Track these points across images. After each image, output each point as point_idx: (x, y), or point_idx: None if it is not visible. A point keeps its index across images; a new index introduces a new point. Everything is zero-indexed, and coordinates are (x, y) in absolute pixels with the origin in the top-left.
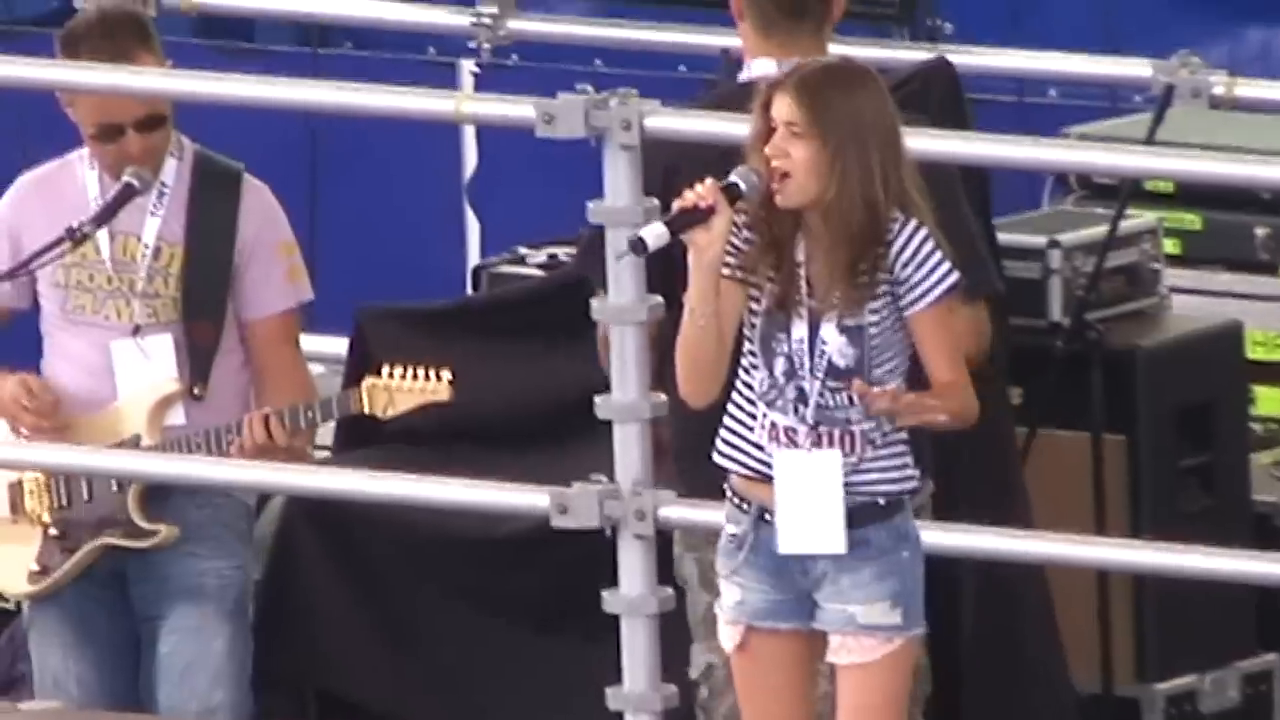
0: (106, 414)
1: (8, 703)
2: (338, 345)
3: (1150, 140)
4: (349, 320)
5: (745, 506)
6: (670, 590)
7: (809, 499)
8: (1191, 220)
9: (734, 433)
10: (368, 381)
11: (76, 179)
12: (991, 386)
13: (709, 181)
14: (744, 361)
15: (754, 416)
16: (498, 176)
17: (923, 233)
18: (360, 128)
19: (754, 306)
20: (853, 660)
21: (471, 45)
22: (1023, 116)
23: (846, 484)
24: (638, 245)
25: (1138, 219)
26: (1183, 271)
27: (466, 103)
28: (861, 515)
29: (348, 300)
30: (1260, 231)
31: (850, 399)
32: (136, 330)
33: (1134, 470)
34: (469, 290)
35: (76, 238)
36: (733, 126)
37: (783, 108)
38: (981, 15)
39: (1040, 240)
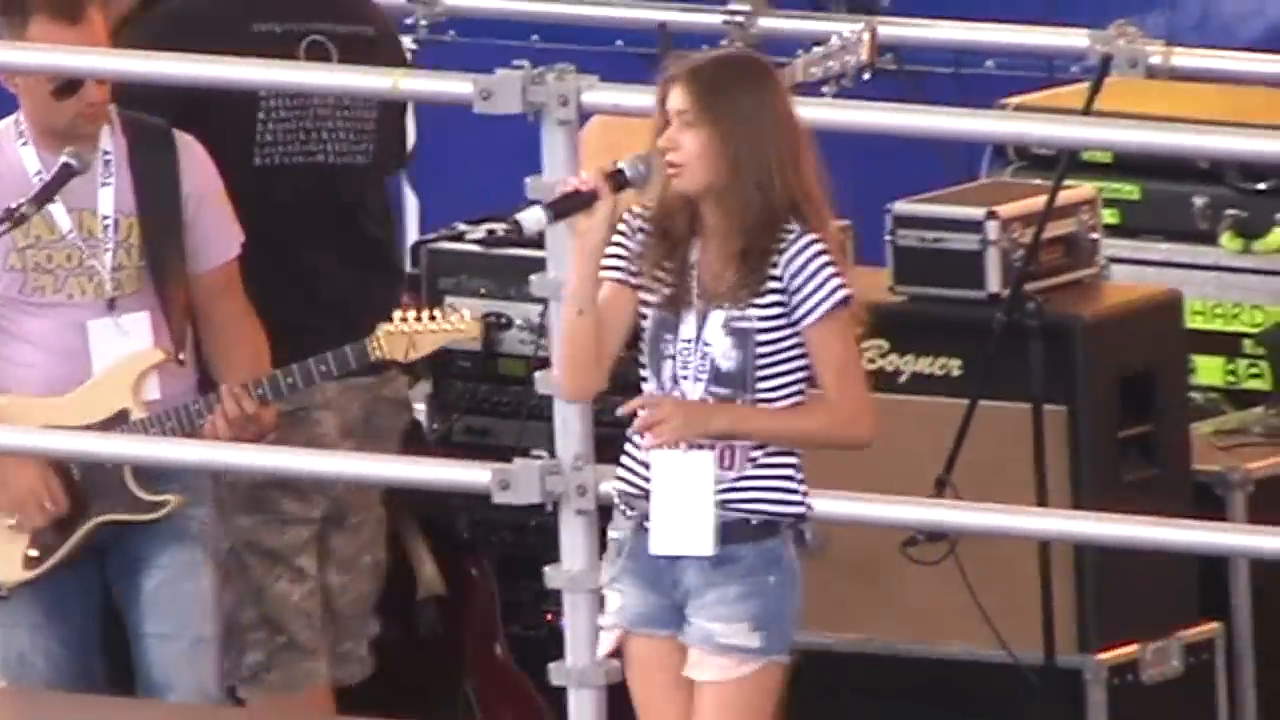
0: (83, 391)
1: None
2: None
3: (1088, 110)
4: None
5: (629, 513)
6: None
7: (681, 500)
8: (1130, 190)
9: (628, 452)
10: (382, 328)
11: (8, 156)
12: None
13: (594, 167)
14: (643, 377)
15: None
16: (436, 153)
17: (817, 246)
18: None
19: (646, 313)
20: (706, 677)
21: (408, 21)
22: (960, 87)
23: (724, 500)
24: (515, 229)
25: (1076, 189)
26: (1121, 241)
27: (404, 79)
28: (732, 532)
29: None
30: (1198, 201)
31: None
32: (111, 305)
33: (1074, 441)
34: (409, 267)
35: (16, 219)
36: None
37: (675, 98)
38: None
39: (978, 212)
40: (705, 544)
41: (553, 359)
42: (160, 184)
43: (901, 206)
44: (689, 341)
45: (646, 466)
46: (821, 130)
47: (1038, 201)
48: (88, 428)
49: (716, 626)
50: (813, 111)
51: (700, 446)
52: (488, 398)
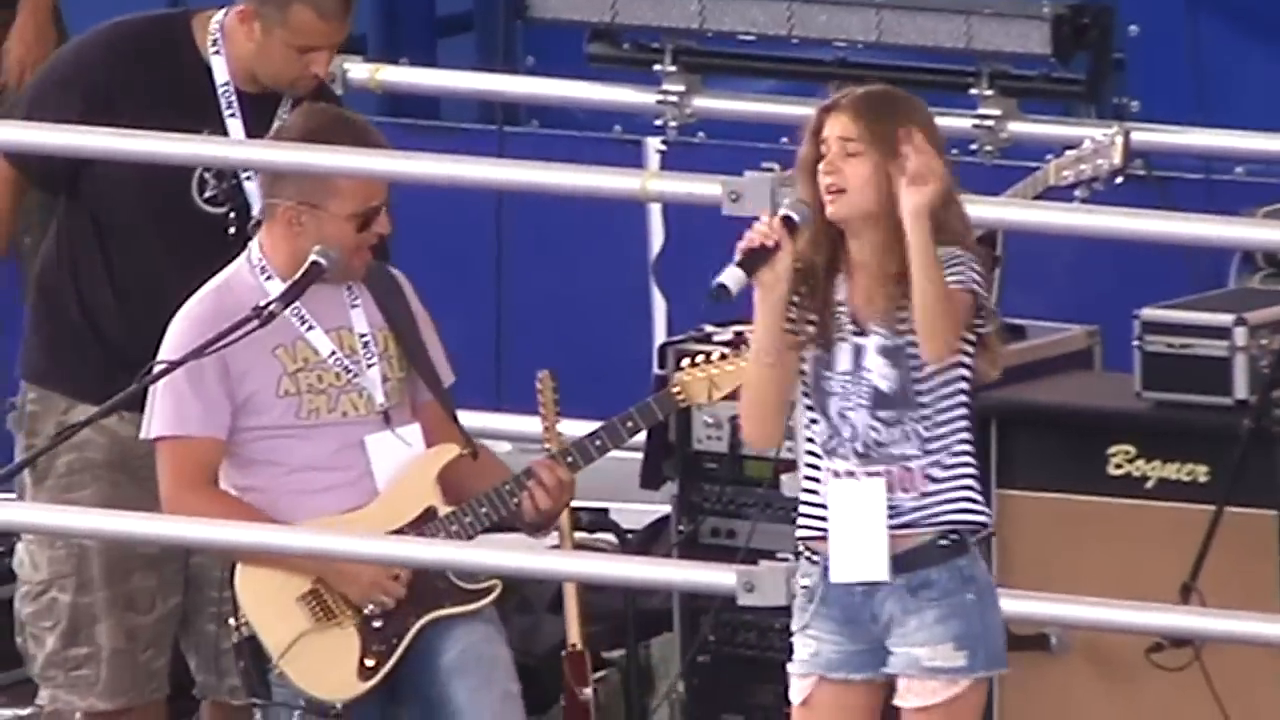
0: (386, 498)
1: None
2: (523, 423)
3: None
4: (534, 398)
5: (815, 559)
6: None
7: (856, 527)
8: None
9: (806, 502)
10: (679, 376)
11: (253, 290)
12: None
13: (769, 218)
14: (804, 422)
15: (819, 480)
16: (684, 254)
17: (960, 254)
18: (547, 205)
19: (804, 354)
20: (916, 703)
21: (658, 123)
22: (1209, 194)
23: (909, 522)
24: (722, 292)
25: None
26: None
27: (652, 180)
28: (921, 556)
29: (534, 377)
30: None
31: (905, 433)
32: (387, 417)
33: None
34: (655, 369)
35: (265, 317)
36: None
37: (838, 127)
38: (1169, 93)
39: (1226, 318)
40: (880, 569)
41: (741, 412)
42: (395, 302)
43: (1150, 312)
44: (846, 374)
45: (824, 509)
46: (1070, 235)
47: None
48: (399, 531)
49: (922, 651)
50: (1063, 217)
51: (873, 474)
52: (733, 499)
